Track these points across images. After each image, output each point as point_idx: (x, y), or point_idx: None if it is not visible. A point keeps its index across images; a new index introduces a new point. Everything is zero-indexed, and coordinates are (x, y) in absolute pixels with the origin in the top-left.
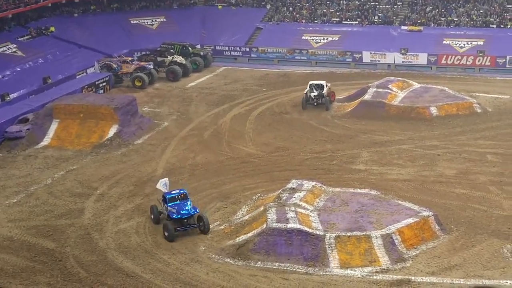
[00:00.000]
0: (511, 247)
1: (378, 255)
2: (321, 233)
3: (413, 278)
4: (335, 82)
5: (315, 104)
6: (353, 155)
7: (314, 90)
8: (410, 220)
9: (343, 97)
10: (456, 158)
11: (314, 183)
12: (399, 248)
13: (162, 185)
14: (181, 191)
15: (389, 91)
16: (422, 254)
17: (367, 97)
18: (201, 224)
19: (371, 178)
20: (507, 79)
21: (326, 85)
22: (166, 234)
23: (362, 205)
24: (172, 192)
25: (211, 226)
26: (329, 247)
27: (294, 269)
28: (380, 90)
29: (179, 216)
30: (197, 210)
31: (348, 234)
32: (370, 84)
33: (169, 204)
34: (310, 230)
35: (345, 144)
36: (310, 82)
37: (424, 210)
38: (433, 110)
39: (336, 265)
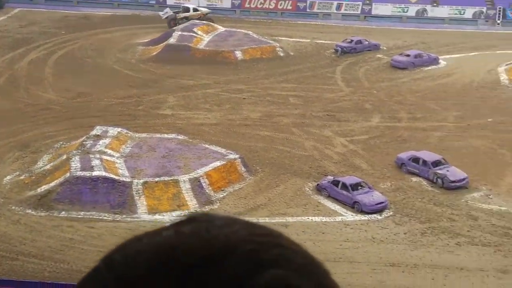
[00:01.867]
0: (312, 186)
1: (186, 199)
2: (128, 179)
3: None
4: (139, 25)
5: (178, 23)
6: (160, 100)
7: (177, 13)
8: (217, 163)
9: (147, 40)
10: (260, 101)
11: (119, 129)
12: (207, 191)
13: None
14: None
15: (194, 34)
16: (229, 196)
17: (171, 40)
18: None
19: (178, 123)
20: (308, 23)
21: (197, 10)
22: None
23: (170, 150)
24: None
25: (10, 177)
26: (136, 194)
27: (100, 217)
28: (185, 33)
29: None
30: None
31: (156, 179)
32: (174, 28)
33: None
34: (116, 177)
35: (151, 89)
36: (182, 5)
37: (231, 153)
38: (238, 54)
39: (144, 211)
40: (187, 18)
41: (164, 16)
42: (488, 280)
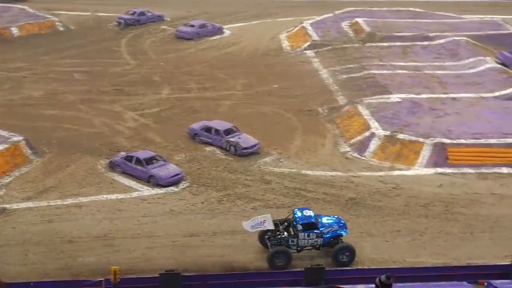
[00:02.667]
0: (105, 163)
1: None
2: None
3: (8, 206)
4: None
5: None
6: None
7: None
8: (0, 148)
9: None
10: (42, 79)
11: None
12: None
13: (258, 223)
14: (307, 209)
15: None
16: (16, 180)
17: None
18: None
19: None
20: None
21: None
22: (347, 258)
23: None
24: (306, 214)
25: None
26: None
27: None
28: None
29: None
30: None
31: None
32: None
33: (322, 228)
34: None
35: None
36: None
37: (14, 135)
38: (14, 31)
39: None
40: None
41: None
42: None
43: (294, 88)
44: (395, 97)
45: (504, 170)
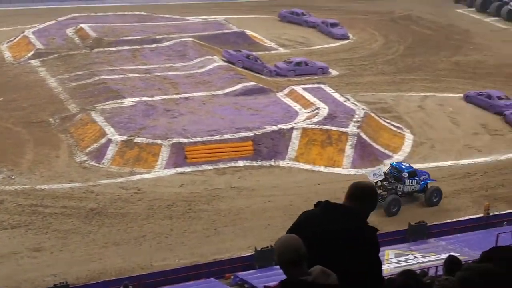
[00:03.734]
0: None
1: None
2: None
3: None
4: None
5: None
6: None
7: None
8: None
9: None
10: None
11: None
12: None
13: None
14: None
15: None
16: None
17: None
18: None
19: None
20: None
21: None
22: (437, 198)
23: None
24: (406, 164)
25: None
26: None
27: None
28: None
29: None
30: None
31: None
32: None
33: (420, 176)
34: None
35: None
36: None
37: None
38: None
39: None
40: None
41: None
42: (23, 261)
43: (20, 100)
44: (128, 101)
45: (240, 163)
